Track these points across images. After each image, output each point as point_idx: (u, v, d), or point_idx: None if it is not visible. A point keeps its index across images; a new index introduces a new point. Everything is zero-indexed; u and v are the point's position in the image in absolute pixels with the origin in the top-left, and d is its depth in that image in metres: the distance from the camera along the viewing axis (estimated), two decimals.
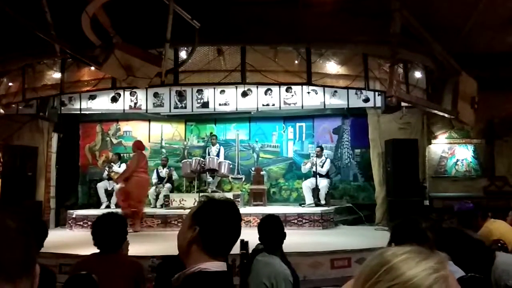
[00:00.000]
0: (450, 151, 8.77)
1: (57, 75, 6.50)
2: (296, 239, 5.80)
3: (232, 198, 8.18)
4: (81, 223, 7.92)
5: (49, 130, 8.77)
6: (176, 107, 9.16)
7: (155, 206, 9.13)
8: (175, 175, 9.69)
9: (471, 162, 8.71)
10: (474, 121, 6.68)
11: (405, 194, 7.62)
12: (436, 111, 6.39)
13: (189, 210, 1.49)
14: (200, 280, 1.33)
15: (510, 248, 3.60)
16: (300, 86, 8.27)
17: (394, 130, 8.49)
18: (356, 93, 8.25)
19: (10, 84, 6.74)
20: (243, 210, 8.25)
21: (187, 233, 1.40)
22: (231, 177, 9.89)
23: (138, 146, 8.13)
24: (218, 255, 1.39)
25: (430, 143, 8.77)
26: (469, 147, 8.74)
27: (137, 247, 5.03)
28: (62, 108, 8.65)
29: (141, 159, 7.90)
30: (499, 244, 3.50)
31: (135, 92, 8.94)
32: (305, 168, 8.98)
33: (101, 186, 9.16)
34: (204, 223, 1.39)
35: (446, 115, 6.36)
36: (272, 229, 3.05)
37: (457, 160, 8.74)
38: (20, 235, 0.84)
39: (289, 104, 8.89)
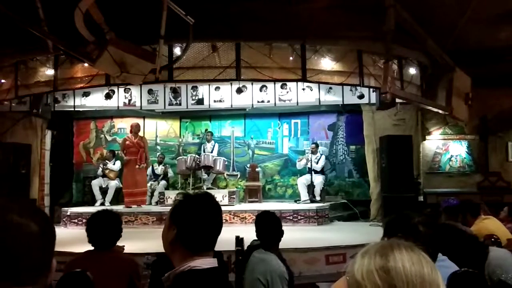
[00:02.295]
0: (444, 147, 8.81)
1: (50, 71, 6.44)
2: (291, 235, 5.79)
3: (227, 194, 8.28)
4: (76, 220, 7.89)
5: (42, 127, 8.72)
6: (170, 104, 9.13)
7: (150, 203, 9.12)
8: (170, 172, 9.67)
9: (465, 158, 8.76)
10: (468, 117, 6.72)
11: (399, 190, 7.66)
12: (430, 108, 6.42)
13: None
14: (191, 278, 1.32)
15: (503, 243, 3.63)
16: (295, 83, 8.27)
17: (388, 127, 8.52)
18: (351, 90, 8.27)
19: (3, 81, 6.67)
20: (238, 207, 8.27)
21: (168, 234, 1.40)
22: (226, 174, 9.88)
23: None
24: (202, 251, 1.38)
25: (424, 139, 8.82)
26: (463, 143, 8.80)
27: (132, 244, 5.02)
28: (56, 105, 8.61)
29: (122, 143, 8.90)
30: (493, 239, 3.53)
31: (129, 89, 8.91)
32: (300, 165, 8.99)
33: (96, 184, 9.12)
34: (181, 222, 1.38)
35: (440, 111, 6.39)
36: (268, 225, 3.05)
37: (451, 156, 8.79)
38: (42, 239, 0.84)
39: (284, 101, 8.90)
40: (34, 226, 0.83)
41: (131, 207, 8.29)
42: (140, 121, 10.24)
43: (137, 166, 8.51)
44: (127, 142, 8.66)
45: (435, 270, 0.84)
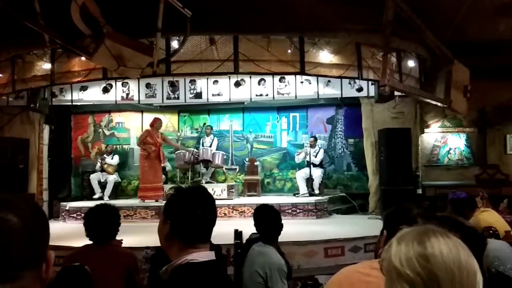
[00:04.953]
0: (443, 140, 8.81)
1: (47, 65, 6.39)
2: (290, 229, 5.79)
3: (226, 188, 8.28)
4: (75, 215, 7.89)
5: (40, 122, 8.68)
6: (169, 98, 9.10)
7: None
8: (168, 166, 9.66)
9: (463, 150, 8.77)
10: (467, 110, 6.70)
11: (398, 183, 7.67)
12: (429, 100, 6.41)
13: None
14: (188, 271, 1.32)
15: (501, 235, 3.64)
16: (293, 76, 8.24)
17: (387, 120, 8.51)
18: (349, 83, 8.23)
19: (0, 75, 6.64)
20: (237, 200, 8.28)
21: (162, 229, 1.41)
22: (225, 168, 9.87)
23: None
24: (197, 243, 1.39)
25: (423, 132, 8.82)
26: (461, 135, 8.80)
27: (131, 238, 5.03)
28: (53, 99, 8.54)
29: (142, 136, 8.64)
30: (491, 231, 3.54)
31: (127, 82, 8.86)
32: (298, 158, 8.99)
33: (94, 178, 9.11)
34: (174, 216, 1.39)
35: (439, 104, 6.38)
36: (267, 218, 3.06)
37: (450, 149, 8.79)
38: (25, 232, 0.82)
39: (283, 94, 8.87)
40: (14, 219, 0.81)
41: (144, 201, 8.28)
42: (138, 115, 10.22)
43: (163, 164, 8.68)
44: (147, 138, 8.53)
45: (471, 256, 0.84)
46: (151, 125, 8.71)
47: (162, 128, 10.24)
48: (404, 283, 0.82)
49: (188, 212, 1.39)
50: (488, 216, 4.02)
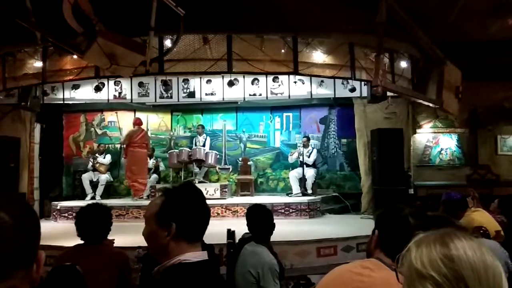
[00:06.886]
0: (435, 140, 8.88)
1: (38, 63, 6.33)
2: (283, 228, 5.81)
3: (219, 188, 8.27)
4: (66, 214, 7.82)
5: (31, 121, 8.60)
6: (161, 97, 9.07)
7: (142, 197, 9.07)
8: (161, 166, 9.63)
9: (455, 151, 8.85)
10: (458, 111, 6.75)
11: (390, 183, 7.71)
12: (421, 101, 6.44)
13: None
14: (181, 272, 1.30)
15: (492, 235, 3.67)
16: (287, 76, 8.25)
17: (379, 120, 8.56)
18: (342, 83, 8.27)
19: None
20: (230, 200, 8.27)
21: (160, 234, 1.34)
22: (218, 168, 9.86)
23: (135, 121, 8.86)
24: (196, 240, 1.39)
25: (415, 133, 8.88)
26: (453, 136, 8.87)
27: (123, 237, 4.99)
28: (45, 98, 8.45)
29: (135, 134, 8.53)
30: (481, 231, 3.57)
31: (120, 81, 8.81)
32: (292, 158, 9.01)
33: (86, 177, 9.04)
34: (178, 215, 1.35)
35: (430, 105, 6.41)
36: (259, 218, 3.05)
37: (441, 149, 8.87)
38: (17, 231, 0.81)
39: (276, 94, 8.88)
40: (5, 218, 0.80)
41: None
42: (130, 114, 10.15)
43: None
44: (140, 135, 8.71)
45: (494, 257, 0.83)
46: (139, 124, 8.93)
47: (155, 127, 10.32)
48: (428, 285, 0.80)
49: (193, 210, 1.39)
50: (479, 216, 4.05)
